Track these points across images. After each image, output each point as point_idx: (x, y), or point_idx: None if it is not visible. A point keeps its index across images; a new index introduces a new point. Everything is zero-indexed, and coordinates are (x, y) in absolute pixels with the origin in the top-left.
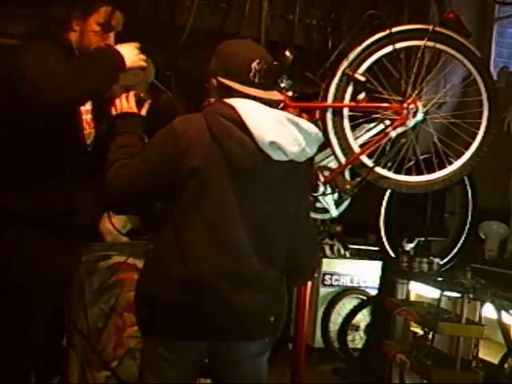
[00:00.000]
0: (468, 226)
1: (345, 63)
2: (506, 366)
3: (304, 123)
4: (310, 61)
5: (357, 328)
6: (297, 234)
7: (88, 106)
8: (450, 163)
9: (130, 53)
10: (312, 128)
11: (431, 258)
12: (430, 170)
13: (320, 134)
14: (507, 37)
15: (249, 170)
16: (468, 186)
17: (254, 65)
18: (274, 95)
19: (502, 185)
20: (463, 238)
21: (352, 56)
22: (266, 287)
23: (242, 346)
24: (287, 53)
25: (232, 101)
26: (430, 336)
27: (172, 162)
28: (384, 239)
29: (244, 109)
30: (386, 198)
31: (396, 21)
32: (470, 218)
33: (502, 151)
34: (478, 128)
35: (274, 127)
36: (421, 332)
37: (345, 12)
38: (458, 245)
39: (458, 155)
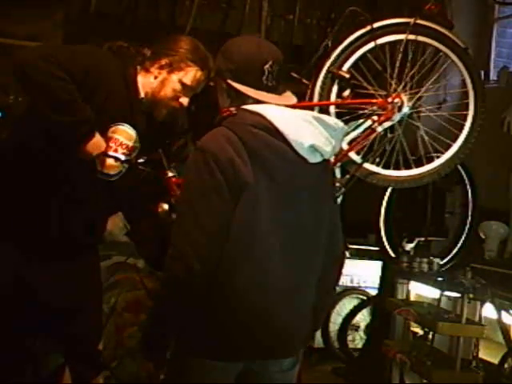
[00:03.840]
0: (468, 226)
1: (329, 61)
2: (506, 366)
3: (328, 119)
4: (309, 61)
5: (357, 328)
6: (333, 242)
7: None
8: (438, 156)
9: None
10: (338, 123)
11: (431, 258)
12: (418, 164)
13: (345, 127)
14: (507, 37)
15: (289, 182)
16: (468, 186)
17: (267, 67)
18: (289, 99)
19: (502, 185)
20: (463, 238)
21: (335, 54)
22: (305, 304)
23: (275, 362)
24: None
25: (256, 108)
26: (430, 336)
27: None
28: (384, 239)
29: (274, 115)
30: (385, 197)
31: None
32: (470, 217)
33: (502, 151)
34: (465, 120)
35: (308, 129)
36: (421, 332)
37: (345, 12)
38: (458, 245)
39: (446, 148)
